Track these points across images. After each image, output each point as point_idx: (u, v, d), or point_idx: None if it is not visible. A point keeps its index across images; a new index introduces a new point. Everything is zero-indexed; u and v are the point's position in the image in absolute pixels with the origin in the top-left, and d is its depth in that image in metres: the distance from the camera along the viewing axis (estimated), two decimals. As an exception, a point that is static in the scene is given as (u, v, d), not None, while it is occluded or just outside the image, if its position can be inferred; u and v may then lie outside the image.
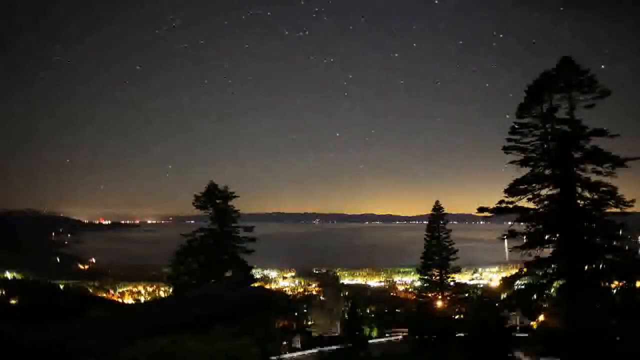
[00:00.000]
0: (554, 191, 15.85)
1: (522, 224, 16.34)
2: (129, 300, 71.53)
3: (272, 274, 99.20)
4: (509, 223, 16.78)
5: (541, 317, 17.46)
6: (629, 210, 14.84)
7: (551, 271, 15.67)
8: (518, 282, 17.43)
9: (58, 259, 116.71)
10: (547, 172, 16.04)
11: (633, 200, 14.86)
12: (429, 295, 31.52)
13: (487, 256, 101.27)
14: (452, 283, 31.15)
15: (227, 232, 23.36)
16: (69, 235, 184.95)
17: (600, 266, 15.07)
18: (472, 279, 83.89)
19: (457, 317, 29.58)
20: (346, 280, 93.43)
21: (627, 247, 15.83)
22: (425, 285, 32.07)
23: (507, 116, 16.75)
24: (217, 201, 23.56)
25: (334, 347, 27.53)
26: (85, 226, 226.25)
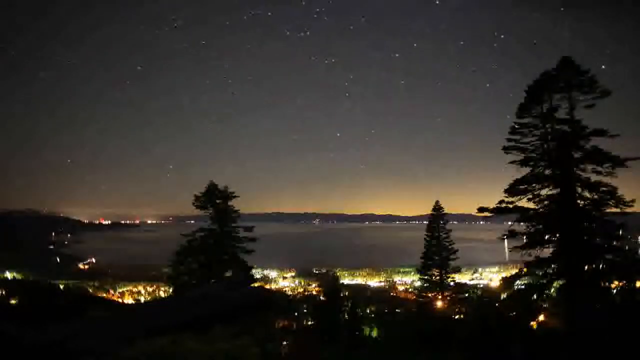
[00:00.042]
0: (554, 191, 15.84)
1: (522, 224, 16.33)
2: (129, 300, 71.47)
3: (272, 274, 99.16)
4: (509, 223, 16.77)
5: (541, 317, 17.46)
6: (629, 210, 14.83)
7: (551, 271, 15.67)
8: (518, 282, 17.42)
9: (58, 259, 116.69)
10: (547, 172, 16.04)
11: (633, 200, 14.85)
12: (429, 295, 31.54)
13: (487, 256, 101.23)
14: (452, 283, 31.17)
15: (227, 232, 23.38)
16: (69, 235, 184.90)
17: (600, 266, 15.06)
18: (472, 279, 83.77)
19: (457, 317, 29.59)
20: (346, 280, 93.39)
21: (627, 247, 15.81)
22: (425, 285, 32.09)
23: (508, 117, 16.75)
24: (217, 201, 23.58)
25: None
26: (85, 226, 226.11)
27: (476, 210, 17.09)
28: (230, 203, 23.75)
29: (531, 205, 16.14)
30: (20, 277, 78.32)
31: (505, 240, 16.90)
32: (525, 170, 16.25)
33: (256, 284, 21.05)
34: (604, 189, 14.95)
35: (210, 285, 18.44)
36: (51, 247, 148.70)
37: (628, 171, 14.95)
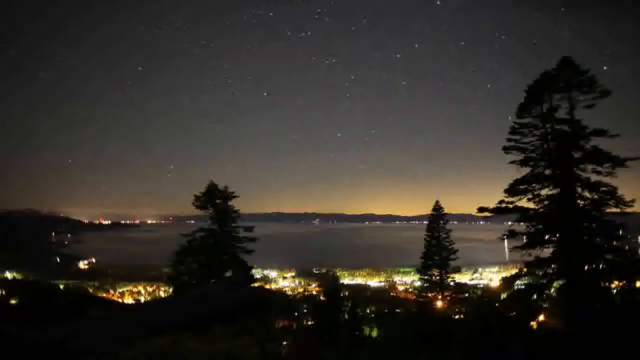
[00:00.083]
0: (554, 191, 15.84)
1: (522, 224, 16.34)
2: (129, 300, 71.47)
3: (272, 274, 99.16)
4: (509, 223, 16.77)
5: (541, 317, 17.46)
6: (629, 210, 14.83)
7: (551, 271, 15.67)
8: (518, 282, 17.42)
9: (58, 259, 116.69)
10: (547, 172, 16.04)
11: (633, 200, 14.85)
12: (429, 295, 31.54)
13: (487, 256, 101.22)
14: (452, 283, 31.17)
15: (227, 232, 23.38)
16: (69, 235, 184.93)
17: (600, 266, 15.06)
18: (472, 279, 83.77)
19: (457, 317, 29.60)
20: (346, 280, 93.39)
21: (627, 247, 15.81)
22: (425, 285, 32.09)
23: (509, 118, 16.74)
24: (217, 201, 23.58)
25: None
26: (85, 226, 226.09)
27: (476, 210, 17.09)
28: (230, 203, 23.76)
29: (531, 205, 16.14)
30: (20, 277, 78.31)
31: (505, 240, 16.90)
32: (525, 170, 16.25)
33: (256, 284, 21.05)
34: (604, 189, 14.95)
35: (210, 285, 18.44)
36: (53, 243, 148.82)
37: (628, 171, 14.96)
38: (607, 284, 15.04)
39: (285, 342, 10.74)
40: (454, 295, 30.89)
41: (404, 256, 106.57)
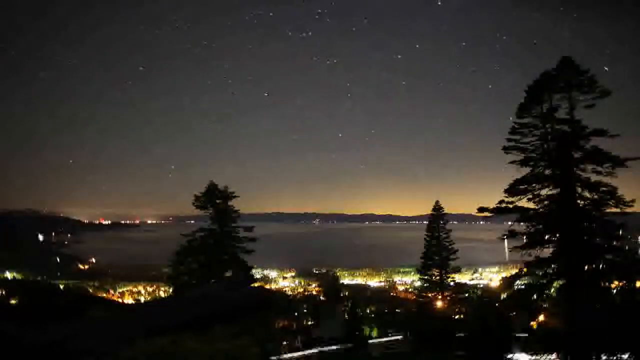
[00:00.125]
0: (554, 191, 15.84)
1: (522, 224, 16.33)
2: (129, 300, 71.53)
3: (272, 274, 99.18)
4: (509, 223, 16.77)
5: (541, 317, 17.46)
6: (629, 210, 14.83)
7: (551, 271, 15.66)
8: (518, 282, 17.44)
9: (58, 259, 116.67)
10: (547, 172, 16.03)
11: (633, 200, 14.85)
12: (429, 295, 31.55)
13: (487, 256, 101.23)
14: (452, 283, 31.17)
15: (227, 232, 23.37)
16: (69, 235, 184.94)
17: (600, 266, 15.06)
18: (472, 279, 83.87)
19: (457, 317, 29.61)
20: (346, 280, 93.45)
21: (627, 247, 15.82)
22: (425, 285, 32.09)
23: (510, 118, 16.72)
24: (217, 201, 23.57)
25: (334, 347, 27.54)
26: (85, 226, 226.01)
27: (476, 210, 17.10)
28: (230, 203, 23.74)
29: (531, 205, 16.14)
30: (20, 277, 78.37)
31: (505, 240, 16.90)
32: (525, 170, 16.25)
33: (256, 284, 21.05)
34: (604, 189, 14.95)
35: (210, 285, 18.44)
36: (53, 243, 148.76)
37: (628, 171, 14.96)
38: (607, 284, 15.05)
39: (285, 342, 10.75)
40: (454, 295, 30.89)
41: (404, 256, 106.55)
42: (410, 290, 72.09)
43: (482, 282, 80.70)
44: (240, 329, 6.11)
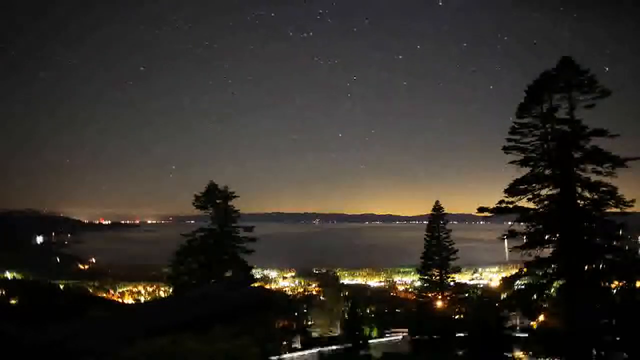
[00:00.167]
0: (554, 191, 15.83)
1: (522, 224, 16.33)
2: (129, 300, 71.51)
3: (272, 274, 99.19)
4: (509, 223, 16.77)
5: (541, 317, 17.45)
6: (629, 210, 14.82)
7: (551, 271, 15.66)
8: (518, 282, 17.42)
9: (58, 259, 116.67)
10: (547, 172, 16.03)
11: (633, 200, 14.85)
12: (429, 295, 31.51)
13: (487, 256, 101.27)
14: (452, 283, 31.14)
15: (227, 232, 23.37)
16: (69, 235, 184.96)
17: (600, 266, 15.05)
18: (472, 279, 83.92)
19: (457, 317, 29.59)
20: (346, 280, 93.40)
21: (627, 247, 15.81)
22: (425, 285, 32.06)
23: (510, 118, 16.72)
24: (217, 201, 23.58)
25: (334, 347, 27.54)
26: (85, 226, 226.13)
27: (476, 210, 17.09)
28: (230, 203, 23.75)
29: (531, 205, 16.14)
30: (20, 277, 78.35)
31: (505, 240, 16.90)
32: (525, 170, 16.25)
33: (256, 284, 21.05)
34: (604, 189, 14.94)
35: (210, 285, 18.44)
36: (53, 243, 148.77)
37: (628, 171, 14.96)
38: (607, 284, 15.04)
39: (285, 342, 10.75)
40: (454, 295, 30.86)
41: (404, 256, 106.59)
42: (410, 290, 72.15)
43: (482, 282, 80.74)
44: (240, 329, 6.11)
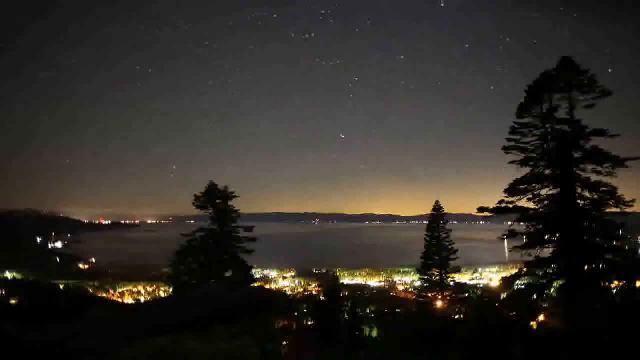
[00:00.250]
0: (554, 191, 15.84)
1: (522, 224, 16.34)
2: (129, 300, 71.46)
3: (272, 274, 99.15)
4: (509, 223, 16.77)
5: (541, 317, 17.46)
6: (629, 210, 14.83)
7: (551, 271, 15.67)
8: (518, 282, 17.42)
9: (58, 259, 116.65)
10: (547, 172, 16.04)
11: (633, 200, 14.85)
12: (429, 295, 31.53)
13: (487, 256, 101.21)
14: (452, 283, 31.16)
15: (227, 232, 23.38)
16: (69, 235, 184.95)
17: (600, 266, 15.06)
18: (472, 279, 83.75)
19: (457, 317, 29.59)
20: (346, 280, 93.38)
21: (627, 247, 15.81)
22: (425, 285, 32.08)
23: (510, 119, 16.73)
24: (217, 201, 23.59)
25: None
26: (85, 226, 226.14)
27: (476, 210, 17.09)
28: (230, 203, 23.75)
29: (531, 205, 16.14)
30: (20, 277, 78.28)
31: (505, 240, 16.90)
32: (525, 170, 16.26)
33: (256, 284, 21.05)
34: (604, 189, 14.95)
35: (210, 285, 18.44)
36: (50, 245, 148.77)
37: (628, 171, 14.96)
38: (607, 284, 15.04)
39: (285, 342, 10.74)
40: (454, 295, 30.88)
41: (404, 256, 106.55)
42: (410, 290, 72.03)
43: (482, 282, 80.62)
44: (240, 329, 6.11)
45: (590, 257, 15.06)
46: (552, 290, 15.75)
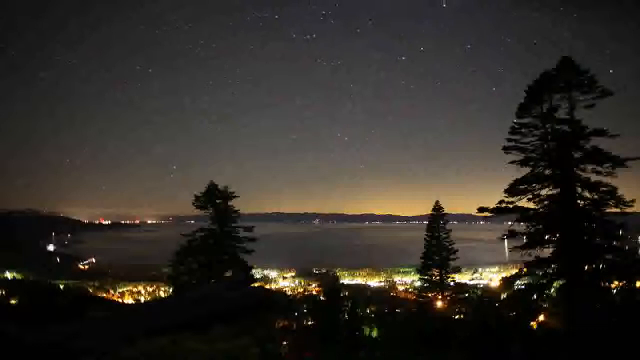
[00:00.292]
0: (554, 191, 15.84)
1: (522, 224, 16.33)
2: (129, 300, 71.43)
3: (272, 274, 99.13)
4: (509, 223, 16.76)
5: (541, 317, 17.46)
6: (629, 210, 14.82)
7: (551, 271, 15.66)
8: (518, 282, 17.41)
9: (58, 259, 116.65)
10: (547, 172, 16.03)
11: (633, 200, 14.84)
12: (429, 295, 31.53)
13: (487, 256, 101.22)
14: (452, 283, 31.17)
15: (227, 232, 23.39)
16: (69, 235, 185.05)
17: (600, 266, 15.06)
18: (472, 279, 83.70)
19: (457, 317, 29.60)
20: (346, 280, 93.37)
21: (627, 247, 15.81)
22: (425, 285, 32.09)
23: (510, 118, 16.74)
24: (217, 201, 23.59)
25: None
26: (85, 226, 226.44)
27: (476, 210, 17.07)
28: (230, 203, 23.76)
29: (531, 205, 16.13)
30: (20, 277, 78.25)
31: (505, 240, 16.90)
32: (525, 170, 16.25)
33: (256, 284, 21.07)
34: (604, 189, 14.94)
35: (210, 285, 18.44)
36: (50, 245, 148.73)
37: (628, 171, 14.95)
38: (607, 284, 15.03)
39: (285, 342, 10.73)
40: (454, 295, 30.89)
41: (404, 256, 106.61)
42: (410, 290, 72.00)
43: (482, 282, 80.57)
44: (240, 329, 6.11)
45: (590, 257, 15.05)
46: (552, 290, 15.75)
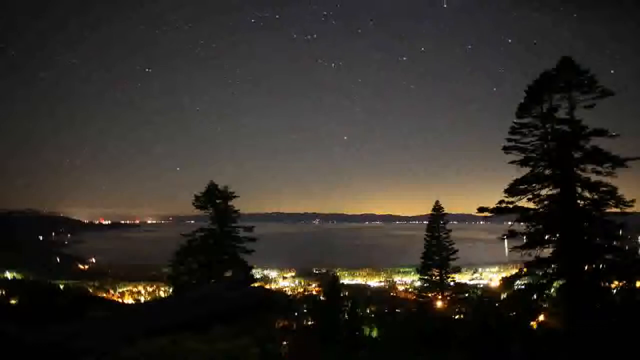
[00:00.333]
0: (554, 191, 15.84)
1: (522, 224, 16.33)
2: (129, 300, 71.44)
3: (272, 274, 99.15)
4: (509, 223, 16.76)
5: (541, 317, 17.46)
6: (629, 210, 14.81)
7: (551, 271, 15.66)
8: (518, 282, 17.41)
9: (58, 259, 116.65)
10: (547, 172, 16.03)
11: (633, 200, 14.84)
12: (429, 295, 31.53)
13: (487, 256, 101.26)
14: (452, 283, 31.16)
15: (227, 232, 23.38)
16: (69, 235, 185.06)
17: (600, 266, 15.06)
18: (472, 279, 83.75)
19: (457, 317, 29.60)
20: (346, 280, 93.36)
21: (627, 247, 15.81)
22: (425, 285, 32.08)
23: (510, 118, 16.73)
24: (217, 201, 23.59)
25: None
26: (85, 226, 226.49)
27: (476, 210, 17.06)
28: (230, 203, 23.76)
29: (531, 205, 16.13)
30: (20, 277, 78.26)
31: (505, 240, 16.89)
32: (525, 170, 16.24)
33: (256, 284, 21.06)
34: (604, 189, 14.94)
35: (210, 285, 18.44)
36: (49, 246, 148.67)
37: (628, 171, 14.94)
38: (607, 284, 15.03)
39: (285, 342, 10.73)
40: (454, 295, 30.89)
41: (404, 256, 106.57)
42: (410, 290, 72.00)
43: (482, 282, 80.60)
44: (240, 329, 6.11)
45: (590, 257, 15.05)
46: (552, 290, 15.74)
